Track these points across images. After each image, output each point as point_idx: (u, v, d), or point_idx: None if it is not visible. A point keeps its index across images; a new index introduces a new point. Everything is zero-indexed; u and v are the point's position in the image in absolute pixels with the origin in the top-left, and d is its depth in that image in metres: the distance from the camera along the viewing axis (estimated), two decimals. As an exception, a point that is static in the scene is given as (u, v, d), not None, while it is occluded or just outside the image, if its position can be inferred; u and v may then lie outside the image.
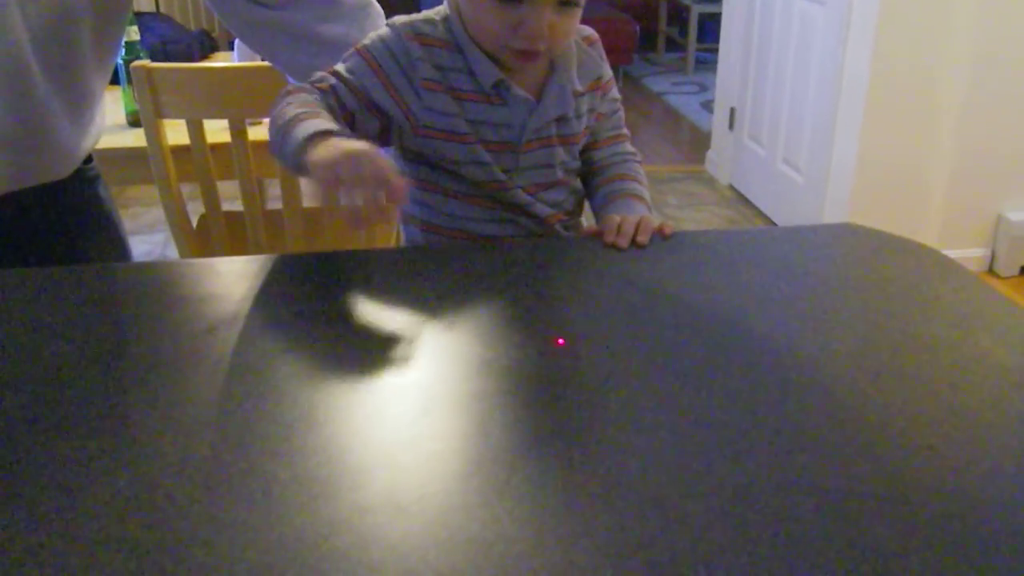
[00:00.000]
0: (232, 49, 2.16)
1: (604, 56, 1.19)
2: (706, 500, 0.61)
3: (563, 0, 1.00)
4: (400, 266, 0.97)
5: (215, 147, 1.83)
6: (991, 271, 3.16)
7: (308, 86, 1.06)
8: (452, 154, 1.08)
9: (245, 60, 2.07)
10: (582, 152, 1.20)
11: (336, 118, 1.01)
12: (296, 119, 0.96)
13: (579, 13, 1.05)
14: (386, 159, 0.89)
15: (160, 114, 1.75)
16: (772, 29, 3.60)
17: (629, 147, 1.25)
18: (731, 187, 3.97)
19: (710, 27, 5.46)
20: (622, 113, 1.24)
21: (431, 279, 0.94)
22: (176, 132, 1.81)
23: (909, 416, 0.72)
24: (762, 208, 3.71)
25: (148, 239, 3.30)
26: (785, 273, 0.96)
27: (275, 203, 2.21)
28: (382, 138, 1.10)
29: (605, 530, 0.58)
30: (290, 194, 1.90)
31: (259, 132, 1.92)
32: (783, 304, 0.89)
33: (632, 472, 0.64)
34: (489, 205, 1.11)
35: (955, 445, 0.68)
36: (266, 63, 1.76)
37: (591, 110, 1.16)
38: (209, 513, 0.60)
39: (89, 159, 1.24)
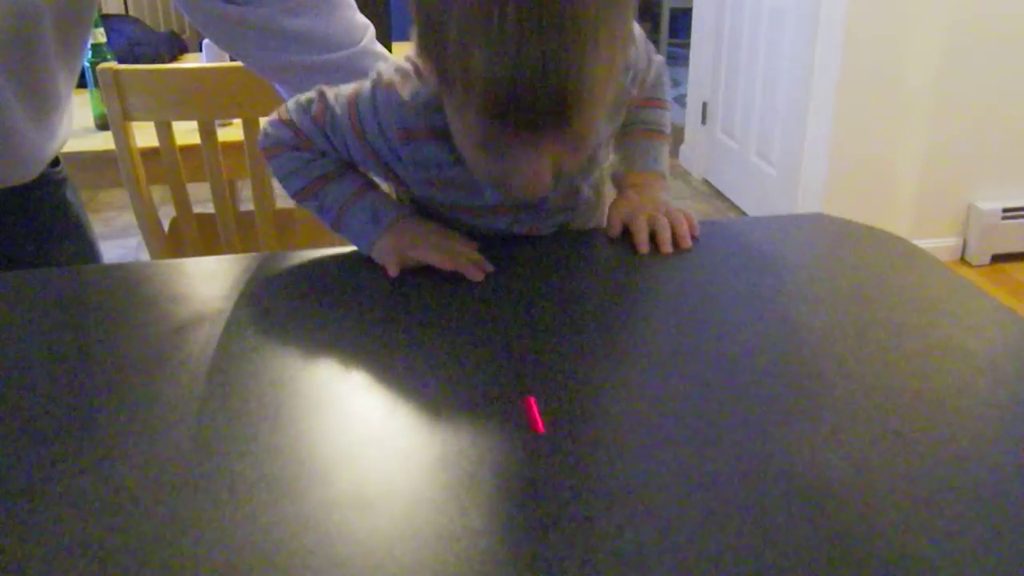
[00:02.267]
0: (201, 50, 2.14)
1: (647, 52, 1.03)
2: (673, 489, 0.61)
3: (572, 145, 0.78)
4: (370, 264, 0.96)
5: (185, 149, 1.82)
6: (962, 260, 3.19)
7: (299, 140, 0.95)
8: (458, 216, 1.00)
9: (214, 61, 2.05)
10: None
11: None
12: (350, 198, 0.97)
13: (590, 144, 0.83)
14: (468, 243, 0.96)
15: (128, 116, 1.74)
16: (743, 23, 3.62)
17: (655, 58, 1.07)
18: (705, 181, 3.98)
19: (682, 22, 5.48)
20: (658, 75, 1.08)
21: (400, 277, 0.93)
22: (145, 134, 1.79)
23: (875, 402, 0.72)
24: (736, 201, 3.73)
25: (121, 243, 3.28)
26: (753, 262, 0.96)
27: (247, 205, 2.20)
28: None
29: (572, 521, 0.58)
30: (262, 195, 1.89)
31: (229, 133, 1.91)
32: (751, 293, 0.90)
33: (599, 463, 0.64)
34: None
35: (921, 431, 0.68)
36: (236, 63, 1.75)
37: (616, 130, 1.03)
38: (174, 514, 0.60)
39: (56, 162, 1.23)
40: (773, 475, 0.63)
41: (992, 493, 0.61)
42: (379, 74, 0.92)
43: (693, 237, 1.01)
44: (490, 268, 0.93)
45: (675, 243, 0.99)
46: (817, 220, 1.11)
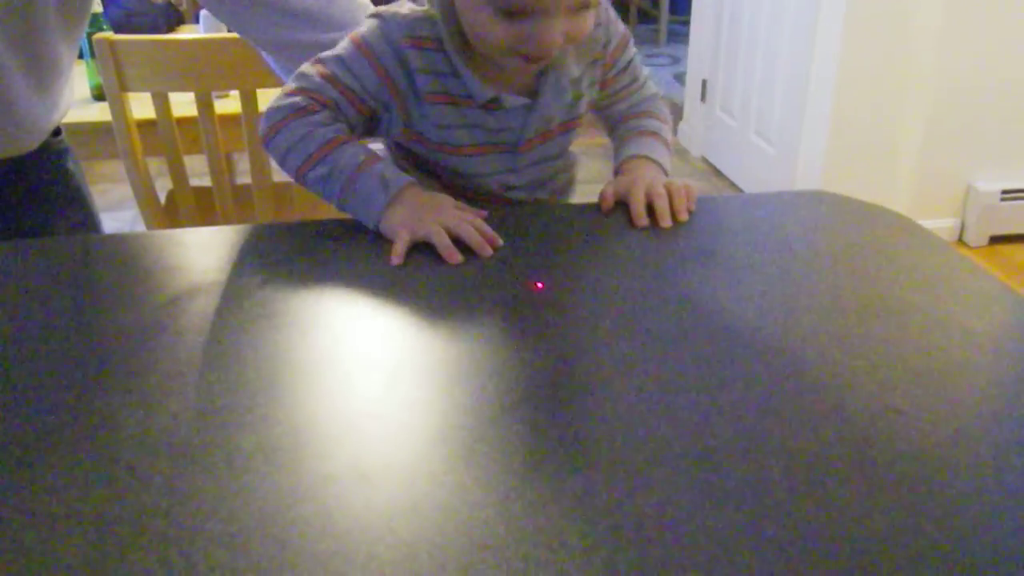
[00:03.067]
0: (198, 22, 2.13)
1: (611, 17, 1.07)
2: (673, 464, 0.61)
3: (577, 5, 0.89)
4: (368, 236, 0.96)
5: (182, 121, 1.81)
6: (960, 241, 3.19)
7: (308, 100, 0.97)
8: (448, 162, 1.04)
9: (211, 32, 2.04)
10: (600, 108, 1.15)
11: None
12: (359, 165, 0.95)
13: (593, 13, 0.94)
14: (476, 215, 0.95)
15: (125, 87, 1.72)
16: (744, 1, 3.60)
17: (651, 88, 1.18)
18: (703, 159, 3.97)
19: (682, -1, 5.46)
20: (637, 63, 1.14)
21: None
22: (142, 106, 1.78)
23: (876, 379, 0.72)
24: (734, 180, 3.72)
25: (117, 216, 3.27)
26: (753, 238, 0.96)
27: (244, 177, 2.19)
28: (366, 130, 1.04)
29: (571, 495, 0.58)
30: (259, 168, 1.88)
31: (226, 105, 1.90)
32: (751, 269, 0.89)
33: (599, 437, 0.64)
34: (483, 197, 1.07)
35: (921, 408, 0.68)
36: (233, 35, 1.73)
37: (592, 84, 1.08)
38: (170, 484, 0.59)
39: (58, 132, 1.23)
40: (773, 451, 0.63)
41: (992, 470, 0.61)
42: (373, 13, 0.99)
43: (689, 211, 1.01)
44: (499, 242, 0.92)
45: (672, 216, 0.99)
46: (818, 197, 1.11)
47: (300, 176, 0.98)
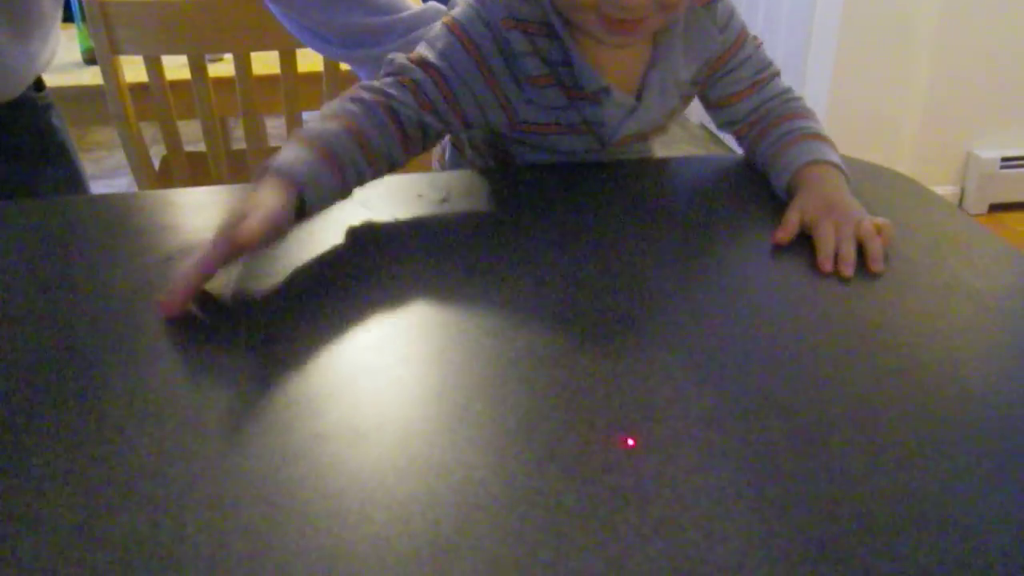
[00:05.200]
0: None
1: (730, 12, 0.98)
2: (673, 424, 0.60)
3: None
4: (362, 193, 0.94)
5: (175, 85, 1.78)
6: (960, 208, 3.17)
7: (382, 84, 0.89)
8: (546, 143, 0.98)
9: (204, -6, 2.01)
10: (718, 109, 1.03)
11: (394, 130, 0.88)
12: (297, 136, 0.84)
13: None
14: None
15: (116, 51, 1.70)
16: (744, -35, 3.56)
17: (780, 84, 1.03)
18: (702, 125, 3.95)
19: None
20: (761, 54, 1.02)
21: (396, 207, 0.91)
22: (134, 69, 1.76)
23: (879, 340, 0.70)
24: (733, 147, 3.70)
25: (111, 183, 3.25)
26: (758, 198, 0.94)
27: (239, 143, 2.17)
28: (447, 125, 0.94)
29: (569, 454, 0.57)
30: (254, 133, 1.86)
31: (220, 69, 1.88)
32: (755, 228, 0.88)
33: (597, 396, 0.62)
34: None
35: (925, 368, 0.67)
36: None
37: (695, 83, 1.00)
38: (159, 445, 0.58)
39: (41, 86, 1.21)
40: (775, 411, 0.61)
41: (997, 431, 0.60)
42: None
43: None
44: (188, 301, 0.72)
45: (863, 262, 0.81)
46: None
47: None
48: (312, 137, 0.83)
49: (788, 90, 1.03)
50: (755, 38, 1.01)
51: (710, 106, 1.04)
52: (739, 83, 1.01)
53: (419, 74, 0.89)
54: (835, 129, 3.02)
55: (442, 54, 0.90)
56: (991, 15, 2.89)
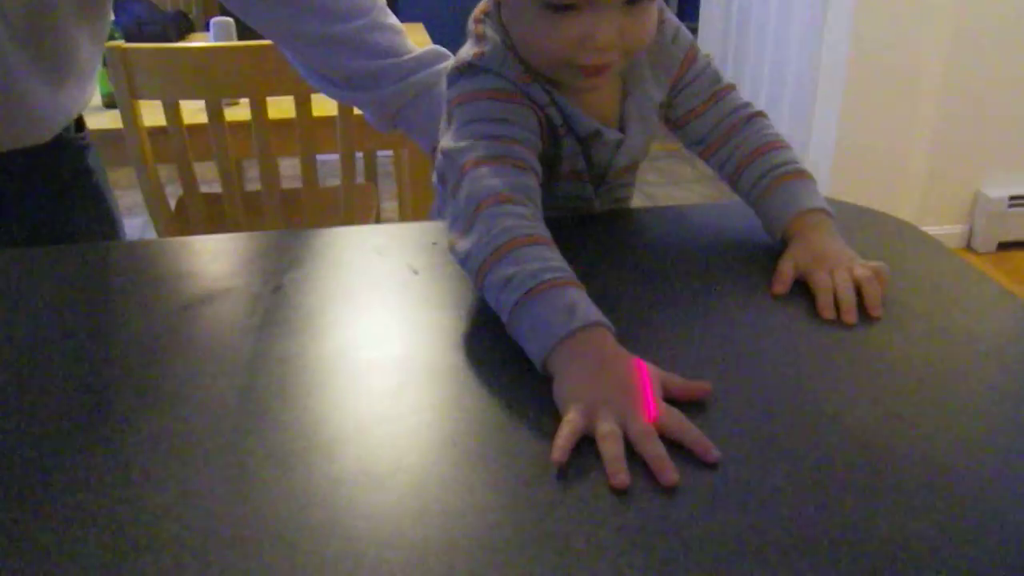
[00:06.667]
0: (208, 30, 2.14)
1: (677, 26, 0.99)
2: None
3: (630, 0, 0.82)
4: (377, 240, 0.97)
5: (192, 128, 1.82)
6: (969, 247, 3.19)
7: (501, 174, 0.82)
8: (555, 191, 0.97)
9: (221, 40, 2.06)
10: (682, 126, 1.03)
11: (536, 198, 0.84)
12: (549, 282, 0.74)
13: (654, 10, 0.86)
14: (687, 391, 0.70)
15: (136, 95, 1.74)
16: (751, 6, 3.61)
17: (738, 97, 1.03)
18: (712, 165, 3.97)
19: (691, 3, 5.46)
20: (714, 68, 1.03)
21: (408, 253, 0.94)
22: (153, 113, 1.80)
23: (879, 385, 0.72)
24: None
25: (128, 223, 3.27)
26: (757, 244, 0.96)
27: (254, 184, 2.20)
28: None
29: (577, 498, 0.59)
30: (269, 175, 1.89)
31: (236, 113, 1.91)
32: (754, 275, 0.90)
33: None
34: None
35: (924, 414, 0.68)
36: (243, 43, 1.75)
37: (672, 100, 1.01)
38: (183, 488, 0.60)
39: (81, 127, 1.24)
40: (776, 456, 0.63)
41: (994, 476, 0.62)
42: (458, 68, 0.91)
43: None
44: (675, 477, 0.61)
45: (862, 309, 0.83)
46: (823, 204, 1.11)
47: (481, 274, 0.78)
48: (570, 275, 0.76)
49: (747, 104, 1.03)
50: (706, 54, 1.03)
51: (673, 127, 1.05)
52: (697, 97, 1.01)
53: (519, 151, 0.85)
54: (843, 168, 3.05)
55: (505, 120, 0.87)
56: (999, 54, 2.92)
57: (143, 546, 0.55)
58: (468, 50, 0.91)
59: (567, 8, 0.81)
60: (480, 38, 0.90)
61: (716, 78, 1.02)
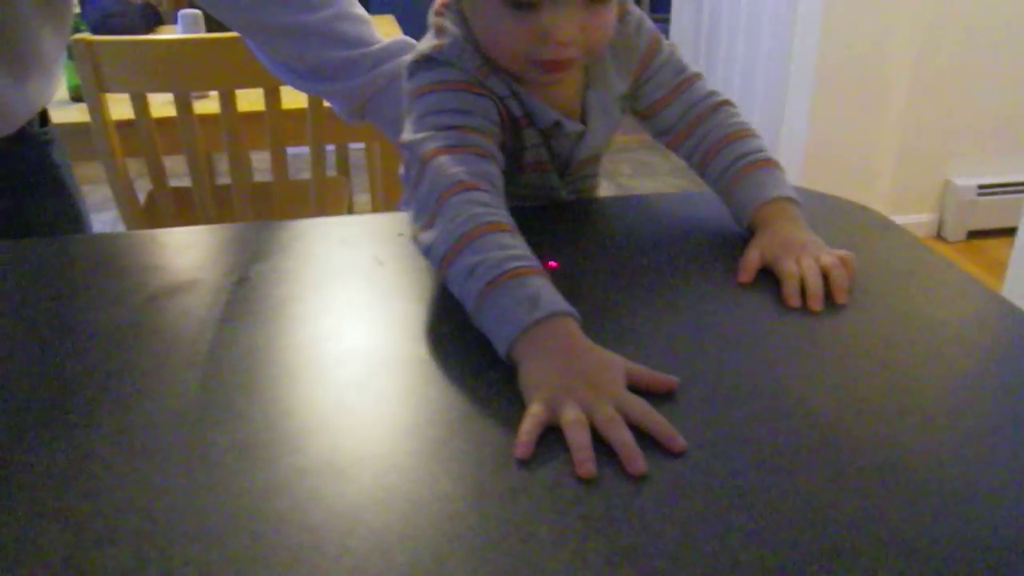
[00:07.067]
0: (177, 22, 2.13)
1: (639, 18, 0.99)
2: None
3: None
4: (344, 232, 0.96)
5: (161, 121, 1.81)
6: (939, 236, 3.22)
7: (462, 162, 0.82)
8: (520, 180, 0.97)
9: (190, 32, 2.04)
10: (648, 117, 1.03)
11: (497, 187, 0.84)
12: (515, 270, 0.74)
13: (613, 7, 0.87)
14: (654, 382, 0.69)
15: (103, 88, 1.72)
16: (722, 1, 3.62)
17: (703, 86, 1.03)
18: (685, 157, 3.99)
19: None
20: (678, 57, 1.02)
21: (374, 244, 0.94)
22: (120, 106, 1.78)
23: (843, 371, 0.73)
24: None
25: (97, 218, 3.26)
26: (726, 233, 0.97)
27: (224, 178, 2.19)
28: None
29: (541, 487, 0.59)
30: (239, 168, 1.88)
31: (205, 106, 1.90)
32: (722, 263, 0.90)
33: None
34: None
35: (886, 398, 0.69)
36: (211, 35, 1.74)
37: (627, 97, 1.01)
38: (146, 481, 0.60)
39: (44, 123, 1.23)
40: (740, 442, 0.64)
41: (955, 459, 0.62)
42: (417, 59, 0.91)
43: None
44: (643, 465, 0.61)
45: (828, 295, 0.83)
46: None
47: (444, 262, 0.78)
48: (534, 263, 0.76)
49: (713, 92, 1.03)
50: (671, 43, 1.03)
51: (640, 117, 1.05)
52: (662, 87, 1.01)
53: (481, 141, 0.86)
54: (814, 159, 3.07)
55: (465, 112, 0.87)
56: (967, 45, 2.94)
57: (104, 540, 0.55)
58: (427, 43, 0.91)
59: (529, 6, 0.82)
60: (439, 31, 0.90)
61: (681, 68, 1.02)
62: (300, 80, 1.21)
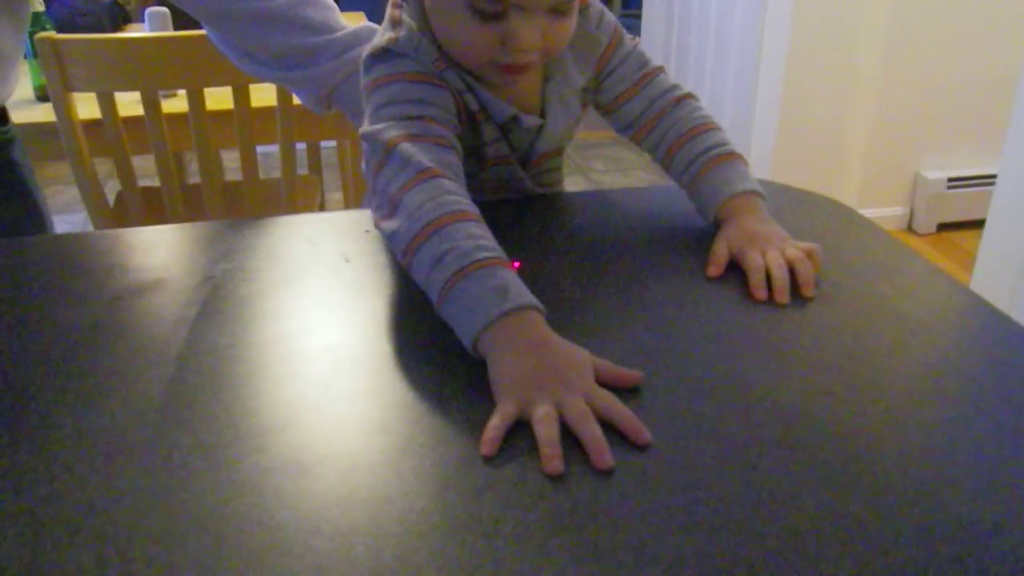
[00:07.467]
0: (144, 20, 2.11)
1: (600, 11, 0.99)
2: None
3: (555, 7, 0.83)
4: (310, 230, 0.96)
5: (128, 121, 1.79)
6: (909, 229, 3.24)
7: (425, 150, 0.82)
8: (482, 175, 0.99)
9: (157, 30, 2.02)
10: (611, 111, 1.04)
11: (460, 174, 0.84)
12: (481, 262, 0.73)
13: (575, 16, 0.88)
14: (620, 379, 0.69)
15: (69, 87, 1.70)
16: (694, -6, 3.63)
17: (665, 80, 1.04)
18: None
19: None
20: (640, 51, 1.03)
21: (341, 242, 0.93)
22: (87, 105, 1.76)
23: (809, 363, 0.73)
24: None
25: (67, 219, 3.23)
26: (695, 225, 0.97)
27: (194, 178, 2.17)
28: None
29: (506, 483, 0.59)
30: (209, 168, 1.87)
31: (173, 104, 1.88)
32: (692, 255, 0.90)
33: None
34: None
35: (853, 390, 0.69)
36: (179, 33, 1.72)
37: (587, 90, 1.02)
38: (108, 483, 0.59)
39: (4, 121, 1.21)
40: (705, 434, 0.64)
41: (919, 450, 0.63)
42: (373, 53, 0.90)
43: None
44: (610, 461, 0.61)
45: (795, 288, 0.84)
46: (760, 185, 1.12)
47: (408, 251, 0.77)
48: (501, 255, 0.75)
49: (676, 86, 1.04)
50: (632, 38, 1.03)
51: (604, 112, 1.05)
52: (624, 81, 1.02)
53: (443, 131, 0.86)
54: (785, 153, 3.08)
55: (423, 102, 0.87)
56: (937, 39, 2.96)
57: (65, 542, 0.54)
58: (383, 35, 0.91)
59: (495, 16, 0.82)
60: (396, 23, 0.90)
61: (643, 61, 1.03)
62: (266, 70, 1.20)
